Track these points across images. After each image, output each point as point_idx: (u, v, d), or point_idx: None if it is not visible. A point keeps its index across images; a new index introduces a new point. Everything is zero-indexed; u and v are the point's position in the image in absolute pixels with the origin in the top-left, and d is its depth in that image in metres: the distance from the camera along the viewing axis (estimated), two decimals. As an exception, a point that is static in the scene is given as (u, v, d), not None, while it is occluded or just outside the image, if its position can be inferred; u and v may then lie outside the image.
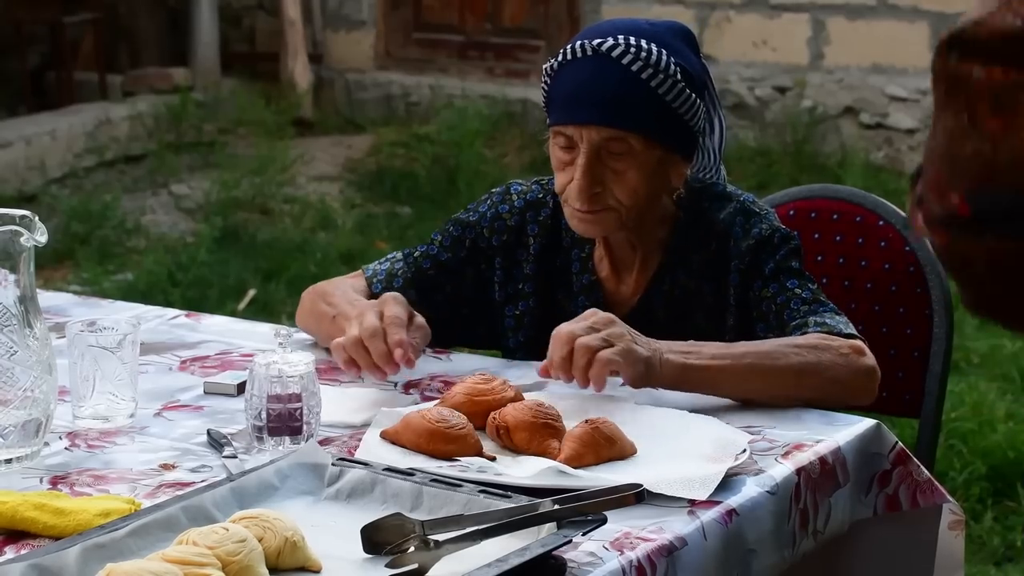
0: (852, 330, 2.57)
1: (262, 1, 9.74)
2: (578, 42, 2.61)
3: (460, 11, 9.21)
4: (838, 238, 3.05)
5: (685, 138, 2.63)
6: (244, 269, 6.83)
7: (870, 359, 2.53)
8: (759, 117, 8.25)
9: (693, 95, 2.60)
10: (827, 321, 2.56)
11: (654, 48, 2.58)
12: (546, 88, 2.66)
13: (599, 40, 2.60)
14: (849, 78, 8.13)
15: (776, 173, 7.76)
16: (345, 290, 2.75)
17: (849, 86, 8.13)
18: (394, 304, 2.54)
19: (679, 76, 2.58)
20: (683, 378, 2.44)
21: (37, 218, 2.25)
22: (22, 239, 2.23)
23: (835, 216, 3.07)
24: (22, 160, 8.05)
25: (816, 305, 2.60)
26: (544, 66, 2.67)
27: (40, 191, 7.97)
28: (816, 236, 3.06)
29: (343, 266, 6.80)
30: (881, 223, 3.04)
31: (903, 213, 3.06)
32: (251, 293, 6.58)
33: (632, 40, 2.58)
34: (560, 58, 2.62)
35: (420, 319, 2.58)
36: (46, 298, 2.88)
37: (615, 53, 2.58)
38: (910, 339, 2.96)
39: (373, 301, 2.60)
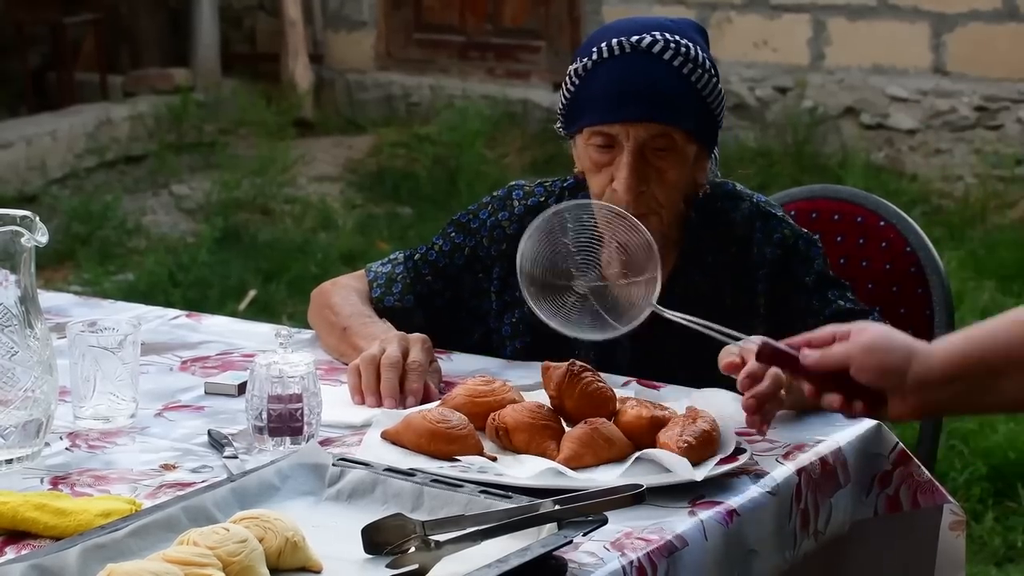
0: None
1: (263, 2, 9.74)
2: (613, 40, 2.58)
3: (461, 12, 9.20)
4: (839, 239, 3.05)
5: (713, 132, 2.63)
6: (245, 269, 6.83)
7: None
8: (760, 118, 8.25)
9: (721, 89, 2.61)
10: None
11: (689, 43, 2.57)
12: (573, 90, 2.61)
13: (636, 37, 2.57)
14: (850, 78, 8.13)
15: (777, 174, 7.75)
16: (354, 301, 2.73)
17: (850, 86, 8.13)
18: (420, 349, 2.51)
19: (713, 71, 2.59)
20: None
21: (38, 218, 2.25)
22: (23, 239, 2.23)
23: (836, 217, 3.07)
24: (23, 160, 8.06)
25: (862, 316, 2.58)
26: (571, 68, 2.62)
27: (41, 191, 7.97)
28: (817, 237, 3.05)
29: (344, 267, 6.80)
30: (882, 224, 3.04)
31: (904, 214, 3.06)
32: (252, 293, 6.58)
33: (668, 36, 2.57)
34: (594, 57, 2.58)
35: (437, 364, 2.56)
36: (47, 298, 2.88)
37: (656, 49, 2.56)
38: (911, 339, 2.96)
39: (399, 334, 2.56)
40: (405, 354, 2.49)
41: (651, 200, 2.58)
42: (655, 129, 2.56)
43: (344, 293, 2.77)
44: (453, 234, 2.78)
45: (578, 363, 2.32)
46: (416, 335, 2.55)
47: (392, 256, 2.82)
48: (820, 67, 8.21)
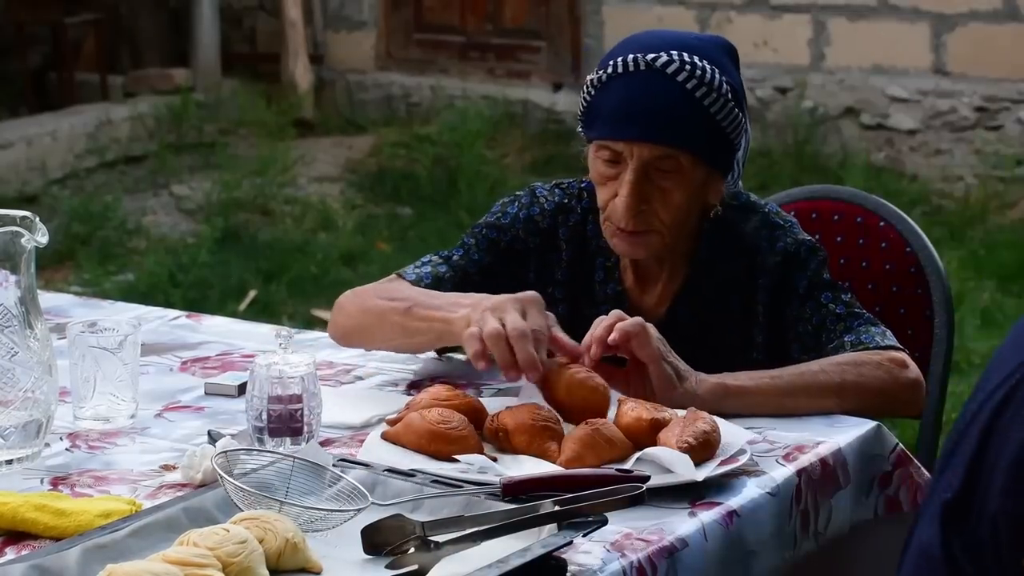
0: (891, 341, 2.55)
1: (263, 2, 9.74)
2: (629, 55, 2.55)
3: (461, 12, 9.20)
4: (839, 239, 3.05)
5: (727, 155, 2.60)
6: (245, 270, 6.83)
7: (913, 371, 2.52)
8: (760, 118, 8.25)
9: (739, 113, 2.58)
10: (862, 338, 2.54)
11: (707, 66, 2.55)
12: (588, 99, 2.59)
13: (653, 55, 2.54)
14: (850, 79, 8.13)
15: (777, 174, 7.75)
16: (405, 286, 2.64)
17: (850, 87, 8.13)
18: (538, 313, 2.42)
19: (729, 95, 2.56)
20: (720, 396, 2.40)
21: (38, 219, 2.25)
22: (23, 240, 2.23)
23: (836, 217, 3.07)
24: (23, 161, 8.06)
25: (852, 320, 2.58)
26: (588, 77, 2.60)
27: (41, 192, 7.97)
28: (817, 237, 3.05)
29: (344, 267, 6.81)
30: (882, 224, 3.04)
31: (904, 214, 3.06)
32: (252, 294, 6.58)
33: (686, 56, 2.54)
34: (608, 70, 2.56)
35: (552, 316, 2.46)
36: (47, 299, 2.88)
37: (670, 69, 2.54)
38: (911, 340, 2.96)
39: (507, 297, 2.45)
40: (524, 316, 2.40)
41: (652, 218, 2.57)
42: (660, 150, 2.55)
43: (387, 285, 2.68)
44: (485, 232, 2.72)
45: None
46: (527, 295, 2.46)
47: (425, 259, 2.72)
48: (820, 67, 8.21)
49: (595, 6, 8.71)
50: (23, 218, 2.24)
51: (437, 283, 2.66)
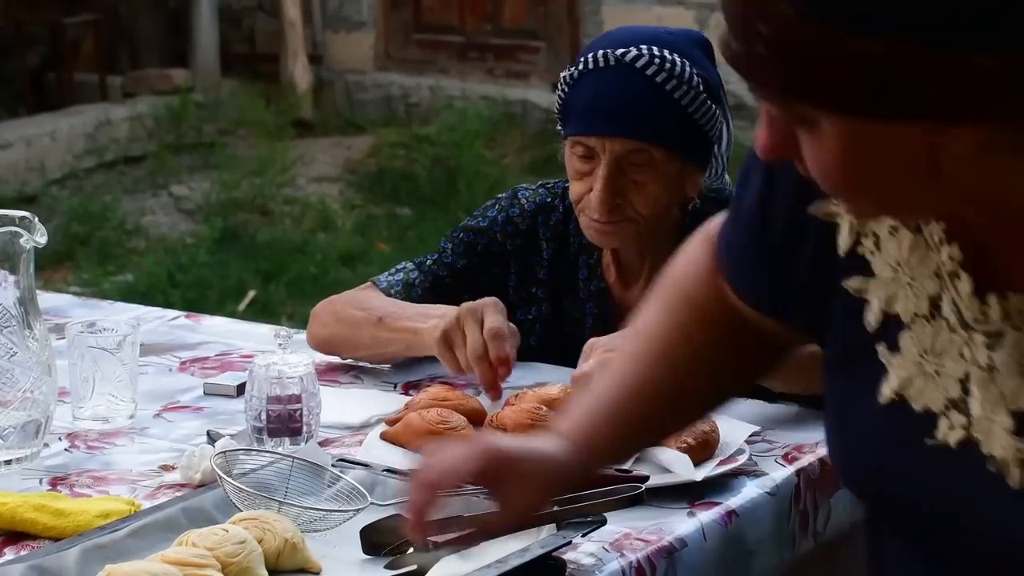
0: None
1: (262, 2, 9.75)
2: (599, 51, 2.57)
3: (460, 12, 9.21)
4: (838, 239, 3.05)
5: (703, 149, 2.61)
6: (244, 270, 6.84)
7: None
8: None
9: (713, 106, 2.58)
10: None
11: (677, 59, 2.56)
12: (563, 96, 2.61)
13: (622, 50, 2.56)
14: (849, 79, 8.13)
15: (776, 174, 7.76)
16: (377, 296, 2.68)
17: (849, 87, 8.14)
18: (494, 313, 2.48)
19: (701, 87, 2.56)
20: None
21: (37, 219, 2.25)
22: (22, 240, 2.23)
23: (835, 217, 3.07)
24: (22, 161, 8.06)
25: None
26: (562, 74, 2.62)
27: (40, 192, 7.98)
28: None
29: (343, 267, 6.81)
30: (881, 224, 3.03)
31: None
32: (251, 294, 6.59)
33: (655, 50, 2.55)
34: (580, 66, 2.58)
35: (513, 326, 2.51)
36: (46, 299, 2.87)
37: (639, 63, 2.55)
38: (910, 340, 2.96)
39: (468, 307, 2.50)
40: (482, 325, 2.46)
41: (628, 210, 2.58)
42: (632, 144, 2.56)
43: (360, 294, 2.72)
44: (462, 236, 2.74)
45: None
46: (489, 300, 2.52)
47: (400, 266, 2.75)
48: (819, 68, 8.21)
49: (594, 6, 8.72)
50: (22, 218, 2.24)
51: (407, 290, 2.69)
